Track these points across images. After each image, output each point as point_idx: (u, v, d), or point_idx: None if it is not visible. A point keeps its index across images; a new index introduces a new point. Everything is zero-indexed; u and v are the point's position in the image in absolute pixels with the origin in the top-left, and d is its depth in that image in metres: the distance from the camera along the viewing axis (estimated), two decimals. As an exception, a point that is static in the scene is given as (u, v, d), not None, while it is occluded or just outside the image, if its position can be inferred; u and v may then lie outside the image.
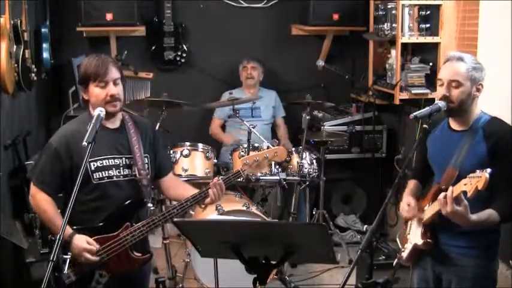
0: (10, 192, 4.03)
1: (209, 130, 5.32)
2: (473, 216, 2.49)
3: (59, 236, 2.21)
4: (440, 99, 2.65)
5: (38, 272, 3.55)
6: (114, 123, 2.81)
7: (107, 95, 2.69)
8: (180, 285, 4.12)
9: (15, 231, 3.86)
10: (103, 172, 2.73)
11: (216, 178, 2.91)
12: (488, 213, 2.54)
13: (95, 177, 2.72)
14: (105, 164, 2.74)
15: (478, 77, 2.63)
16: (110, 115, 2.73)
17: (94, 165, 2.71)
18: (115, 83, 2.71)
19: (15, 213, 4.02)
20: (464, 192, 2.40)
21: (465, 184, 2.40)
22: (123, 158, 2.79)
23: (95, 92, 2.70)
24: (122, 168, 2.78)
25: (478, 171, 2.36)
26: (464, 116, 2.67)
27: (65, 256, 2.48)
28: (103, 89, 2.69)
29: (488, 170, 2.33)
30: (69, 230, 2.65)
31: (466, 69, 2.61)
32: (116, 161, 2.77)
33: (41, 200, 2.73)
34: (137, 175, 2.79)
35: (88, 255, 2.65)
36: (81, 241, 2.65)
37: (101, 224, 2.73)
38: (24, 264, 3.60)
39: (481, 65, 2.66)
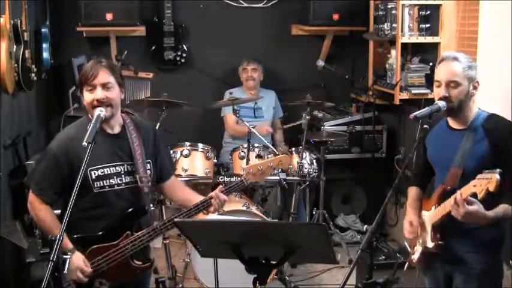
0: (10, 192, 4.03)
1: (228, 130, 5.21)
2: (490, 213, 2.50)
3: (59, 236, 2.19)
4: (440, 99, 2.66)
5: (38, 272, 3.55)
6: (114, 129, 2.74)
7: (94, 99, 2.62)
8: (180, 285, 4.12)
9: (15, 231, 3.86)
10: (104, 181, 2.68)
11: (220, 187, 2.89)
12: (504, 208, 2.55)
13: (95, 186, 2.66)
14: (106, 173, 2.68)
15: (474, 75, 2.65)
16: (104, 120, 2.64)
17: (95, 174, 2.66)
18: (104, 87, 2.63)
19: (15, 213, 4.02)
20: (474, 194, 2.40)
21: (474, 186, 2.40)
22: (125, 165, 2.73)
23: (85, 96, 2.67)
24: (123, 175, 2.72)
25: (485, 171, 2.37)
26: (463, 115, 2.68)
27: (64, 256, 2.45)
28: (91, 93, 2.64)
29: (498, 170, 2.33)
30: (69, 245, 2.61)
31: (462, 69, 2.62)
32: (117, 168, 2.71)
33: (39, 209, 2.68)
34: (139, 182, 2.73)
35: (80, 275, 2.60)
36: (79, 260, 2.61)
37: (101, 232, 2.69)
38: (24, 264, 3.60)
39: (474, 63, 2.69)
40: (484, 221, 2.51)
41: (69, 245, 2.61)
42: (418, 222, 2.79)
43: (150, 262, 2.82)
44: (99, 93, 2.62)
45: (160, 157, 2.91)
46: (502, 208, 2.55)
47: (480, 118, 2.66)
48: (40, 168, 2.72)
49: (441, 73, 2.67)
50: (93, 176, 2.66)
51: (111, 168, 2.70)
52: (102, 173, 2.67)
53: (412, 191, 2.96)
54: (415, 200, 2.91)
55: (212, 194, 2.85)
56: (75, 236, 2.64)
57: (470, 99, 2.66)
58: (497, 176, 2.31)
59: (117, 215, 2.71)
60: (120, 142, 2.74)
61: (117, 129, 2.75)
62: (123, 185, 2.72)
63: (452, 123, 2.74)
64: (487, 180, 2.33)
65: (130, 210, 2.73)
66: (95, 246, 2.66)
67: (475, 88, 2.66)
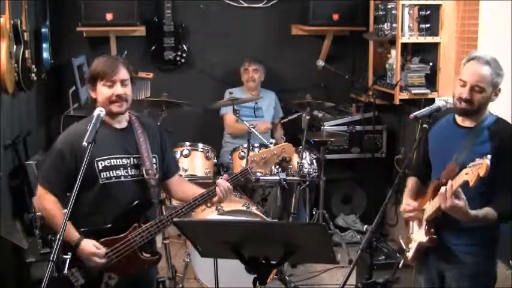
0: (10, 192, 4.03)
1: (227, 128, 5.19)
2: (472, 212, 2.51)
3: (59, 236, 2.21)
4: (460, 99, 2.61)
5: (38, 272, 3.55)
6: (121, 123, 2.80)
7: (113, 94, 2.68)
8: (180, 285, 4.12)
9: (15, 231, 3.86)
10: (110, 172, 2.71)
11: (224, 176, 2.92)
12: (487, 211, 2.55)
13: (102, 176, 2.70)
14: (112, 164, 2.72)
15: (499, 83, 2.63)
16: (115, 115, 2.74)
17: (101, 164, 2.69)
18: (123, 84, 2.70)
19: (15, 213, 4.02)
20: (467, 183, 2.40)
21: (467, 174, 2.40)
22: (131, 158, 2.77)
23: (102, 90, 2.70)
24: (129, 168, 2.76)
25: (477, 159, 2.37)
26: (475, 116, 2.68)
27: (64, 256, 2.46)
28: (110, 89, 2.69)
29: (489, 156, 2.33)
30: (76, 234, 2.64)
31: (490, 75, 2.59)
32: (123, 160, 2.75)
33: (47, 202, 2.70)
34: (145, 175, 2.77)
35: (97, 259, 2.63)
36: (89, 245, 2.63)
37: (108, 225, 2.71)
38: (24, 264, 3.60)
39: (503, 71, 2.64)
40: (464, 217, 2.52)
41: (76, 234, 2.64)
42: (417, 205, 2.78)
43: (158, 255, 2.84)
44: (120, 89, 2.69)
45: (167, 154, 2.96)
46: (485, 211, 2.55)
47: (488, 120, 2.67)
48: (48, 162, 2.77)
49: (469, 74, 2.61)
50: (100, 167, 2.69)
51: (118, 160, 2.74)
52: (108, 163, 2.71)
53: (410, 182, 2.97)
54: (411, 190, 2.92)
55: (216, 182, 2.88)
56: (82, 229, 2.67)
57: (488, 104, 2.66)
58: (488, 161, 2.31)
59: (124, 208, 2.73)
60: (127, 136, 2.79)
61: (124, 124, 2.81)
62: (129, 177, 2.76)
63: (459, 120, 2.73)
64: (478, 166, 2.34)
65: (136, 202, 2.75)
66: (103, 239, 2.68)
67: (496, 95, 2.65)
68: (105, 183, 2.71)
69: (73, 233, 2.63)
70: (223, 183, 2.86)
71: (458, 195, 2.46)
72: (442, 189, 2.51)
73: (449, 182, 2.49)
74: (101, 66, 2.71)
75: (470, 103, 2.61)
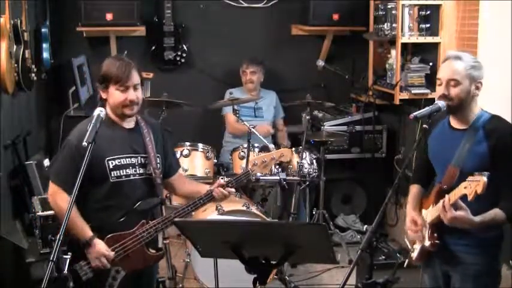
0: (10, 192, 4.03)
1: (228, 128, 5.19)
2: (477, 218, 2.51)
3: (59, 235, 2.22)
4: (439, 98, 2.66)
5: (38, 272, 3.55)
6: (129, 124, 2.88)
7: (126, 99, 2.76)
8: (180, 285, 4.12)
9: (15, 231, 3.86)
10: (120, 171, 2.79)
11: (223, 182, 2.99)
12: (494, 213, 2.55)
13: (112, 175, 2.77)
14: (122, 163, 2.80)
15: (477, 75, 2.64)
16: (125, 117, 2.82)
17: (112, 163, 2.77)
18: (135, 88, 2.78)
19: (15, 213, 4.02)
20: (466, 196, 2.41)
21: (465, 187, 2.42)
22: (139, 157, 2.85)
23: (115, 94, 2.76)
24: (137, 167, 2.85)
25: (476, 173, 2.38)
26: (464, 115, 2.68)
27: (65, 256, 2.48)
28: (123, 93, 2.76)
29: (486, 173, 2.34)
30: (89, 232, 2.72)
31: (464, 68, 2.62)
32: (132, 159, 2.84)
33: (61, 200, 2.75)
34: (152, 174, 2.86)
35: (105, 261, 2.71)
36: (102, 246, 2.72)
37: (117, 221, 2.79)
38: (24, 264, 3.60)
39: (479, 63, 2.67)
40: (470, 226, 2.53)
41: (89, 232, 2.72)
42: (421, 221, 2.79)
43: (162, 251, 2.95)
44: (132, 94, 2.78)
45: (169, 153, 3.06)
46: (491, 213, 2.55)
47: (482, 119, 2.66)
48: (59, 159, 2.83)
49: (443, 71, 2.68)
50: (111, 166, 2.77)
51: (127, 159, 2.82)
52: (118, 162, 2.79)
53: (413, 190, 2.96)
54: (415, 199, 2.92)
55: (219, 182, 3.00)
56: (91, 225, 2.74)
57: (472, 99, 2.65)
58: (485, 179, 2.33)
59: (132, 205, 2.81)
60: (135, 136, 2.88)
61: (132, 124, 2.89)
62: (137, 175, 2.85)
63: (453, 122, 2.74)
64: (476, 183, 2.36)
65: (144, 200, 2.84)
66: (112, 234, 2.76)
67: (477, 88, 2.65)
68: (115, 182, 2.78)
69: (86, 231, 2.71)
70: (219, 186, 2.97)
71: (458, 206, 2.47)
72: (440, 203, 2.53)
73: (447, 196, 2.51)
74: (115, 71, 2.75)
75: (449, 99, 2.63)
